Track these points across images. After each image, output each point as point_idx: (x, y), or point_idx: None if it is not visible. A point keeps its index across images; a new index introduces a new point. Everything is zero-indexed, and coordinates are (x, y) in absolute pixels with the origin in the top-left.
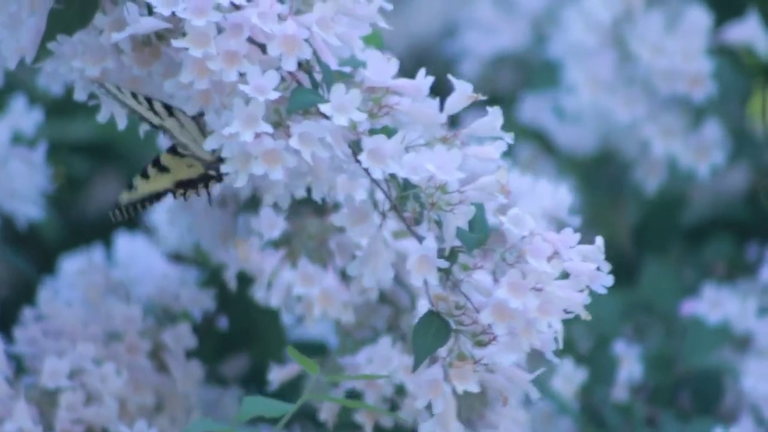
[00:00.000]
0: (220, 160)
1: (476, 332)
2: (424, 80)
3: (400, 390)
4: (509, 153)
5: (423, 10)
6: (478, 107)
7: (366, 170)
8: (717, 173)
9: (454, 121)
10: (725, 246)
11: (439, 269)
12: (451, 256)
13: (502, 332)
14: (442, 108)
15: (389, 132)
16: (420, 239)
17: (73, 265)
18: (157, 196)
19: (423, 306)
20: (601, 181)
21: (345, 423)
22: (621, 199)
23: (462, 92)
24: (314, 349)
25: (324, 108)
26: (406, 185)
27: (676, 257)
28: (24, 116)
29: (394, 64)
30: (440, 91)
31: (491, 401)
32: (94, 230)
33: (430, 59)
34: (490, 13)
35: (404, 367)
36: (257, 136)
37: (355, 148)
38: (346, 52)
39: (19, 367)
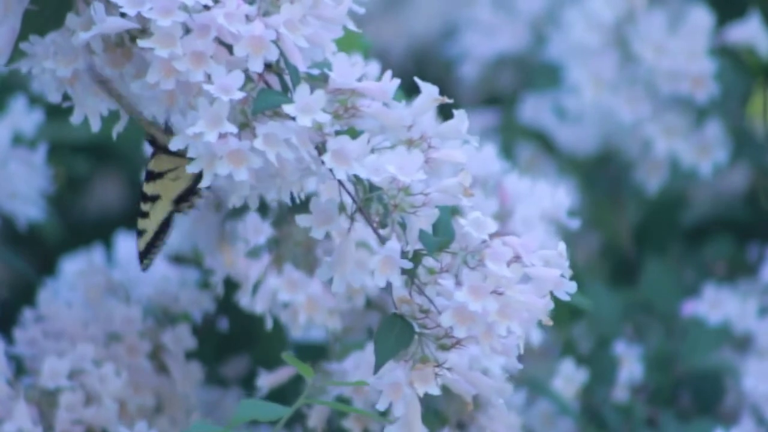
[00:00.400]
0: None
1: (439, 335)
2: (389, 83)
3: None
4: (510, 153)
5: (422, 11)
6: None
7: (330, 171)
8: (719, 172)
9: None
10: (725, 246)
11: (404, 272)
12: (415, 258)
13: (462, 335)
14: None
15: (354, 134)
16: (384, 241)
17: (73, 266)
18: (166, 224)
19: None
20: (601, 181)
21: (336, 429)
22: (621, 200)
23: (428, 95)
24: (315, 351)
25: (288, 109)
26: (372, 187)
27: (677, 257)
28: (24, 117)
29: (359, 67)
30: (440, 91)
31: (483, 404)
32: (94, 231)
33: (429, 60)
34: (489, 14)
35: None
36: (222, 136)
37: (323, 149)
38: (319, 55)
39: (19, 367)
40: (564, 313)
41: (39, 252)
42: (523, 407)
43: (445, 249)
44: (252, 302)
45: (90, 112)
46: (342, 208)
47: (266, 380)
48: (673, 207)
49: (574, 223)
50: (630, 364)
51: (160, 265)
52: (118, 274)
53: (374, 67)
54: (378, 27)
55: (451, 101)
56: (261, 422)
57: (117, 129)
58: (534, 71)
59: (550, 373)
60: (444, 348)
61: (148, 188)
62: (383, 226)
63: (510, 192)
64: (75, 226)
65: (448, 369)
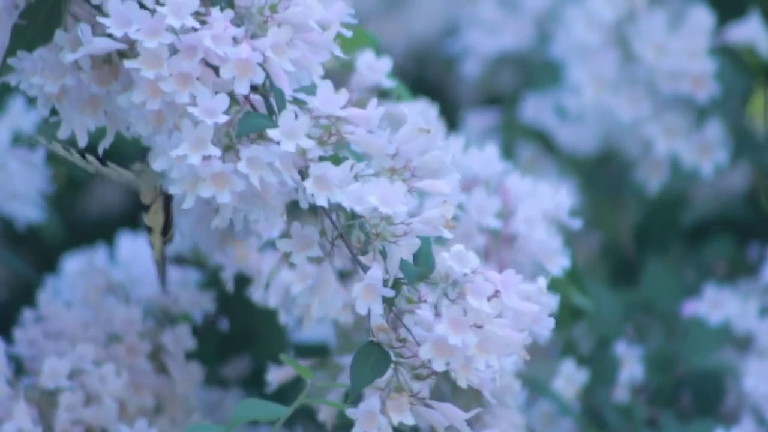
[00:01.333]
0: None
1: (415, 365)
2: (374, 110)
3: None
4: (511, 153)
5: (424, 9)
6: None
7: (311, 197)
8: (720, 172)
9: (453, 125)
10: (726, 246)
11: (384, 300)
12: (395, 287)
13: (441, 368)
14: (439, 108)
15: (338, 160)
16: (365, 268)
17: (73, 266)
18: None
19: None
20: (602, 181)
21: (345, 424)
22: (622, 200)
23: (413, 125)
24: (315, 351)
25: (272, 133)
26: (353, 214)
27: (677, 257)
28: (23, 117)
29: (343, 95)
30: (441, 90)
31: (487, 403)
32: (95, 231)
33: (430, 58)
34: (493, 12)
35: None
36: (205, 158)
37: (306, 174)
38: (307, 79)
39: (19, 368)
40: (565, 313)
41: (39, 252)
42: (523, 407)
43: (425, 279)
44: (265, 296)
45: (77, 127)
46: (323, 233)
47: (275, 375)
48: (673, 207)
49: (576, 223)
50: (630, 365)
51: None
52: (120, 275)
53: (386, 62)
54: (378, 27)
55: (430, 131)
56: (260, 423)
57: (103, 145)
58: (535, 70)
59: (550, 374)
60: (419, 378)
61: (146, 220)
62: (364, 253)
63: (512, 192)
64: (75, 226)
65: (422, 399)
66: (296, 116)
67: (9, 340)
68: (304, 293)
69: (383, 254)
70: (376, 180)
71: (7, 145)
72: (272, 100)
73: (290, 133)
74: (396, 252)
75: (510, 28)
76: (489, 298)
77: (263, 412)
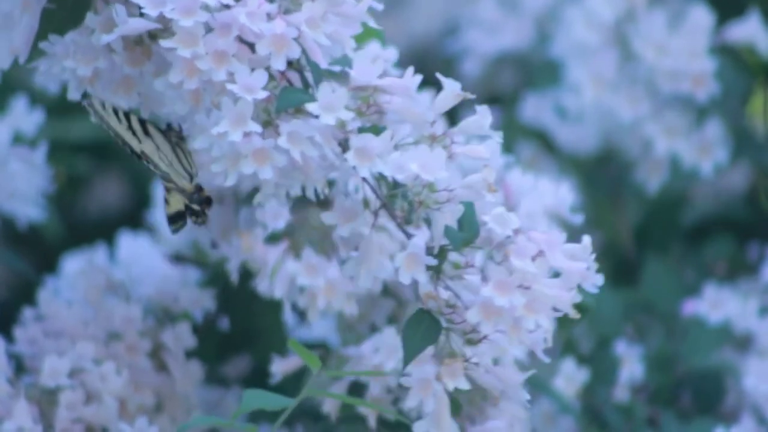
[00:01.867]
0: (199, 189)
1: (466, 330)
2: (412, 78)
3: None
4: (511, 152)
5: (424, 9)
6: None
7: (353, 168)
8: (720, 171)
9: (454, 125)
10: (726, 246)
11: (429, 267)
12: (440, 254)
13: (489, 331)
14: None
15: (378, 131)
16: (410, 237)
17: (73, 266)
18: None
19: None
20: (602, 180)
21: (349, 416)
22: (622, 199)
23: (450, 91)
24: (316, 349)
25: (311, 107)
26: (395, 183)
27: (677, 257)
28: (25, 117)
29: (380, 64)
30: (441, 90)
31: (492, 398)
32: (95, 230)
33: (430, 58)
34: (493, 12)
35: None
36: (246, 135)
37: (345, 146)
38: (338, 51)
39: (20, 366)
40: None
41: (39, 251)
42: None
43: (470, 244)
44: (270, 287)
45: None
46: (366, 204)
47: (280, 367)
48: (673, 207)
49: (578, 219)
50: (631, 364)
51: (161, 263)
52: (120, 274)
53: (393, 52)
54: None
55: (473, 97)
56: (263, 419)
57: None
58: (535, 70)
59: (551, 373)
60: (471, 342)
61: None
62: (408, 221)
63: (513, 187)
64: (75, 225)
65: (476, 364)
66: (334, 89)
67: (9, 338)
68: (349, 265)
69: (427, 222)
70: (415, 148)
71: (8, 144)
72: (307, 75)
73: (329, 106)
74: (440, 219)
75: (510, 28)
76: (533, 258)
77: (269, 402)
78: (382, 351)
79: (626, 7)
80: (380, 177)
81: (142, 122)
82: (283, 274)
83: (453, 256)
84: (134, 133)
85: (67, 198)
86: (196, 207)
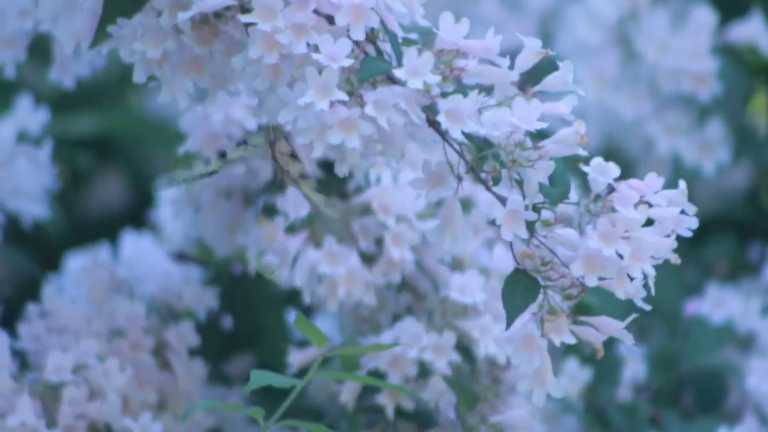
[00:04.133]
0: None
1: (565, 286)
2: (493, 39)
3: (423, 371)
4: None
5: (425, 8)
6: None
7: (445, 132)
8: (722, 171)
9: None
10: (728, 245)
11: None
12: (534, 212)
13: (593, 283)
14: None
15: (463, 92)
16: (501, 199)
17: (77, 263)
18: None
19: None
20: None
21: (362, 408)
22: None
23: (531, 48)
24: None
25: (398, 73)
26: (482, 146)
27: (679, 257)
28: (30, 116)
29: (465, 25)
30: None
31: (503, 393)
32: (97, 228)
33: None
34: (494, 11)
35: (433, 346)
36: (332, 104)
37: (428, 113)
38: (407, 19)
39: (23, 362)
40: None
41: (43, 249)
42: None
43: (565, 199)
44: (290, 276)
45: (178, 91)
46: (450, 168)
47: (296, 358)
48: None
49: None
50: (633, 364)
51: (164, 261)
52: (124, 272)
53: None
54: None
55: (553, 53)
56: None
57: (208, 105)
58: (536, 68)
59: (554, 372)
60: (570, 298)
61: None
62: (496, 182)
63: None
64: (78, 223)
65: (577, 318)
66: (420, 53)
67: (13, 335)
68: (434, 232)
69: (519, 182)
70: (505, 107)
71: (13, 142)
72: (380, 45)
73: (415, 71)
74: (533, 176)
75: (512, 27)
76: (635, 206)
77: (276, 380)
78: (404, 339)
79: (629, 6)
80: (469, 139)
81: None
82: (304, 263)
83: (545, 213)
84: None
85: (70, 196)
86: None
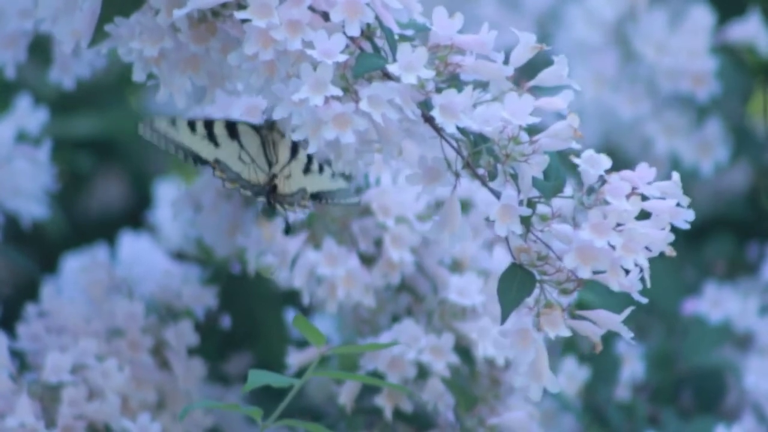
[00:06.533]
0: (273, 184)
1: (560, 280)
2: (487, 35)
3: (422, 373)
4: None
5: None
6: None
7: (439, 127)
8: (720, 171)
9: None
10: (726, 245)
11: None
12: (529, 206)
13: (587, 275)
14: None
15: (458, 88)
16: (496, 194)
17: (76, 263)
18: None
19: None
20: None
21: (360, 409)
22: None
23: (525, 43)
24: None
25: (392, 68)
26: (477, 141)
27: (677, 256)
28: (29, 116)
29: (459, 20)
30: None
31: (502, 395)
32: (96, 228)
33: None
34: (493, 11)
35: (432, 347)
36: (327, 100)
37: (423, 108)
38: (404, 16)
39: (22, 363)
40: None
41: (42, 249)
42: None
43: (559, 193)
44: (290, 277)
45: (176, 89)
46: (447, 164)
47: (295, 358)
48: None
49: None
50: (632, 363)
51: (163, 261)
52: (122, 271)
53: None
54: None
55: (549, 47)
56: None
57: (207, 104)
58: (533, 65)
59: (552, 371)
60: (566, 292)
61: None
62: (491, 178)
63: None
64: (77, 223)
65: (573, 312)
66: (414, 48)
67: (12, 335)
68: (433, 229)
69: (513, 177)
70: (499, 102)
71: (12, 142)
72: (376, 42)
73: (409, 67)
74: (527, 171)
75: (510, 27)
76: (627, 197)
77: (274, 379)
78: (403, 340)
79: (627, 6)
80: (463, 134)
81: (231, 125)
82: (303, 264)
83: (540, 207)
84: (212, 140)
85: (69, 197)
86: (262, 199)
